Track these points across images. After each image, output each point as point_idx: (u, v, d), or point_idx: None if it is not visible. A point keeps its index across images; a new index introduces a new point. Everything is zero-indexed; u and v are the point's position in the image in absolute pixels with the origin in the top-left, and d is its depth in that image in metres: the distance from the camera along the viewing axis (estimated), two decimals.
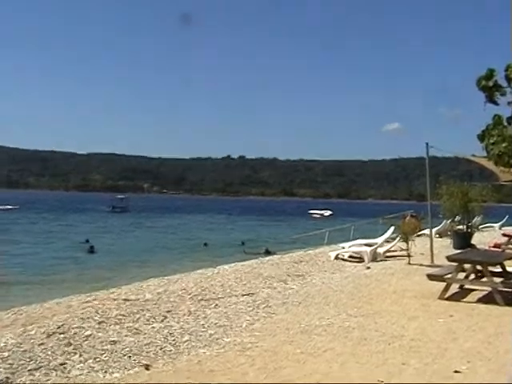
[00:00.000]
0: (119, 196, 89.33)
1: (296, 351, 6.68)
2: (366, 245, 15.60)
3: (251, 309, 8.95)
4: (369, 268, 13.72)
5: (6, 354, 5.43)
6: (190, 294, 9.62)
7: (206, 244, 31.39)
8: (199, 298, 9.44)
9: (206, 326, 7.75)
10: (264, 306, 9.27)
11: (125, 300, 8.68)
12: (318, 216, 74.02)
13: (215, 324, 7.89)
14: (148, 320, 7.67)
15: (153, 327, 7.35)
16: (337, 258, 15.19)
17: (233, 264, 14.36)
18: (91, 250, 26.04)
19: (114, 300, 8.64)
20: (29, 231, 36.80)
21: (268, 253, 25.30)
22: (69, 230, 41.38)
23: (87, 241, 26.14)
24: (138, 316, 7.73)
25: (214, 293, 9.99)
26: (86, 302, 8.52)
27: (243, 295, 9.98)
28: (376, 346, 6.65)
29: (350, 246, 15.67)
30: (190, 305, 8.88)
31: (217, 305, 9.04)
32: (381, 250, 15.24)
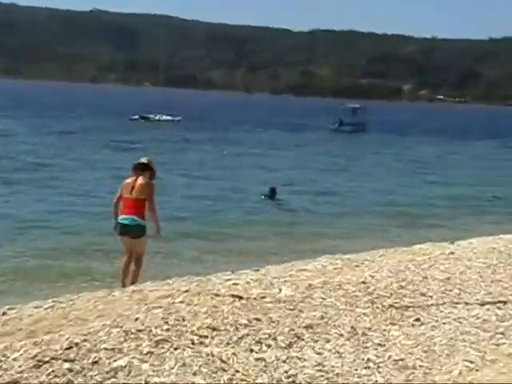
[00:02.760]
0: (352, 105, 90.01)
1: None
2: None
3: (487, 335, 7.86)
4: None
5: None
6: (370, 294, 8.85)
7: (495, 196, 31.32)
8: (388, 301, 8.66)
9: (371, 364, 6.82)
10: None
11: (235, 297, 8.15)
12: None
13: (394, 362, 6.93)
14: (258, 343, 6.94)
15: (256, 361, 6.52)
16: None
17: (490, 238, 13.09)
18: (271, 195, 26.79)
19: (216, 296, 8.15)
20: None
21: None
22: (252, 160, 43.04)
23: (273, 190, 26.83)
24: (238, 335, 7.04)
25: (422, 294, 9.12)
26: (166, 296, 8.12)
27: (483, 304, 8.96)
28: None
29: None
30: (362, 315, 8.08)
31: (419, 319, 8.17)
32: None
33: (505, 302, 8.91)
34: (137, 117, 78.08)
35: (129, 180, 11.51)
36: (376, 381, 6.41)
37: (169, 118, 78.82)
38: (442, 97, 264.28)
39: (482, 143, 72.87)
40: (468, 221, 23.54)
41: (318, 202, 27.56)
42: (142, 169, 11.56)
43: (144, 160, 11.74)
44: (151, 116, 78.52)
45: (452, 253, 11.43)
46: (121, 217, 11.40)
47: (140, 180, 11.37)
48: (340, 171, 39.79)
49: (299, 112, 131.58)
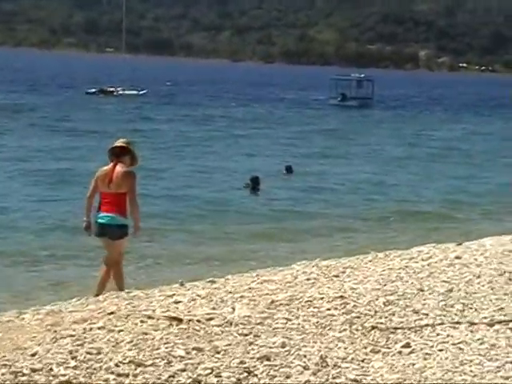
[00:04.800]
0: (356, 76, 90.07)
1: None
2: None
3: (496, 365, 7.35)
4: None
5: None
6: (348, 312, 8.51)
7: None
8: (371, 322, 8.31)
9: None
10: None
11: (172, 320, 7.77)
12: None
13: None
14: (196, 382, 6.51)
15: None
16: None
17: (508, 237, 12.84)
18: (253, 186, 26.71)
19: (149, 319, 7.79)
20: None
21: None
22: (232, 143, 43.03)
23: (254, 180, 26.83)
24: (170, 371, 6.60)
25: (416, 311, 8.76)
26: (84, 320, 7.76)
27: (492, 323, 8.56)
28: None
29: None
30: (336, 341, 7.71)
31: (409, 345, 7.78)
32: None
33: None
34: (94, 90, 78.12)
35: (105, 168, 11.18)
36: None
37: (133, 91, 78.78)
38: (465, 64, 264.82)
39: None
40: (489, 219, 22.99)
41: (307, 195, 27.20)
42: (118, 154, 11.19)
43: (120, 143, 11.37)
44: (112, 89, 78.51)
45: (458, 257, 11.07)
46: (98, 215, 11.13)
47: (118, 169, 11.06)
48: (339, 157, 39.28)
49: (295, 84, 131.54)
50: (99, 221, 11.07)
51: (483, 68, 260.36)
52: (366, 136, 51.06)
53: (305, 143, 44.84)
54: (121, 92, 77.66)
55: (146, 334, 7.32)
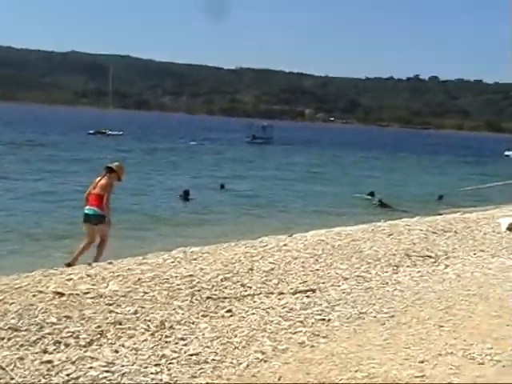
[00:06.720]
0: (262, 124, 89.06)
1: None
2: None
3: (289, 324, 6.43)
4: None
5: None
6: (193, 287, 7.32)
7: (441, 197, 28.39)
8: (207, 294, 7.16)
9: (164, 360, 5.31)
10: (319, 317, 6.69)
11: (56, 294, 6.58)
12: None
13: (188, 357, 5.43)
14: (57, 343, 5.41)
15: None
16: (511, 228, 12.41)
17: (323, 231, 11.73)
18: (185, 196, 25.12)
19: (40, 293, 6.58)
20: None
21: (383, 206, 24.14)
22: (171, 165, 41.72)
23: (186, 192, 25.22)
24: (39, 335, 5.49)
25: (243, 285, 7.64)
26: None
27: (295, 293, 7.52)
28: None
29: None
30: (177, 308, 6.60)
31: (230, 310, 6.73)
32: None
33: (314, 291, 7.51)
34: (93, 131, 76.67)
35: (97, 178, 11.03)
36: (161, 379, 4.94)
37: (115, 132, 77.55)
38: (333, 119, 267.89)
39: (379, 153, 72.61)
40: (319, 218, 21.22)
41: (221, 201, 25.79)
42: (107, 170, 11.09)
43: (110, 164, 11.28)
44: (104, 131, 77.27)
45: (285, 245, 9.91)
46: (85, 208, 10.86)
47: (102, 180, 10.91)
48: (246, 177, 37.47)
49: (227, 128, 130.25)
50: (85, 211, 10.84)
51: (344, 121, 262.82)
52: (266, 163, 49.86)
53: (226, 167, 43.35)
54: (110, 132, 76.26)
55: (32, 305, 6.13)
